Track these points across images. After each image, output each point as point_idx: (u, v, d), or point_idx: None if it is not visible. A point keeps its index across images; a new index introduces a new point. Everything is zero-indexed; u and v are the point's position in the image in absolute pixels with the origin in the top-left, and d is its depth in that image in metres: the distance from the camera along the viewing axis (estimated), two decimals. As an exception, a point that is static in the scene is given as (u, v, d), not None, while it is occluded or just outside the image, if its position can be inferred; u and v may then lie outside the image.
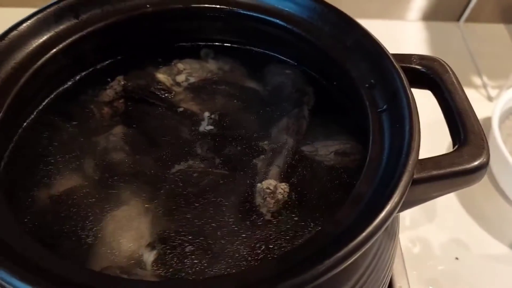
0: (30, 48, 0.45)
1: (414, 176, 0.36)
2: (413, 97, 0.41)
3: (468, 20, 1.03)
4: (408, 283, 0.65)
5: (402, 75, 0.42)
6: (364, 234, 0.31)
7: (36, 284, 0.30)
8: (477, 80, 0.94)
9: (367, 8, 0.94)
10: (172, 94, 0.53)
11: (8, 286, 0.31)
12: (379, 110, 0.42)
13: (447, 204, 0.72)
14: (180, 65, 0.57)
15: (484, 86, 0.93)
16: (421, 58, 0.46)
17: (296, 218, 0.43)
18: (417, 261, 0.68)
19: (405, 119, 0.39)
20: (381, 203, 0.33)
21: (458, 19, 1.04)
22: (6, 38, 0.44)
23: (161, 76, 0.55)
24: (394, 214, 0.33)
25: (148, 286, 0.34)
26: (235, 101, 0.54)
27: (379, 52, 0.44)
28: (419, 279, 0.67)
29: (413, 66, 0.45)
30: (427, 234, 0.71)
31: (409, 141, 0.36)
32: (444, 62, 0.46)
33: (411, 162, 0.35)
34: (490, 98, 0.91)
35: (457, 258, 0.70)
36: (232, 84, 0.56)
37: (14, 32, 0.44)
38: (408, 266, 0.66)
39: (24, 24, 0.45)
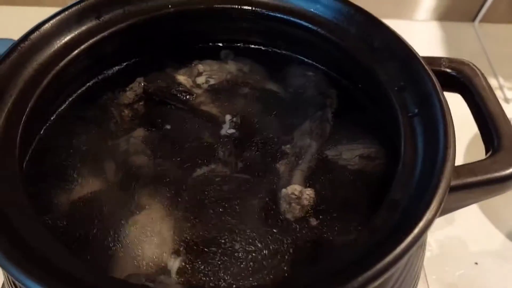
0: (52, 50, 0.44)
1: (451, 184, 0.35)
2: (446, 101, 0.40)
3: (483, 20, 1.02)
4: (428, 287, 0.64)
5: (434, 78, 0.41)
6: (404, 244, 0.30)
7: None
8: (493, 82, 0.93)
9: (379, 8, 0.93)
10: (193, 96, 0.52)
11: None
12: (410, 114, 0.41)
13: (466, 208, 0.71)
14: (200, 67, 0.56)
15: (501, 87, 0.92)
16: (450, 61, 0.45)
17: (324, 225, 0.42)
18: (436, 266, 0.67)
19: (439, 124, 0.38)
20: (420, 212, 0.32)
21: (473, 20, 1.02)
22: (28, 39, 0.43)
23: (181, 77, 0.55)
24: (433, 223, 0.32)
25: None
26: (256, 103, 0.53)
27: (409, 54, 0.43)
28: (438, 283, 0.66)
29: (443, 69, 0.45)
30: (446, 238, 0.70)
31: (445, 148, 0.36)
32: (474, 65, 0.45)
33: (448, 169, 0.34)
34: (507, 100, 0.90)
35: (476, 263, 0.69)
36: (253, 86, 0.55)
37: (36, 33, 0.44)
38: (427, 271, 0.65)
39: (46, 25, 0.44)
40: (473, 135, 0.77)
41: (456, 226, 0.71)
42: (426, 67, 0.42)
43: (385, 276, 0.29)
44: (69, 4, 0.46)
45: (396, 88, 0.43)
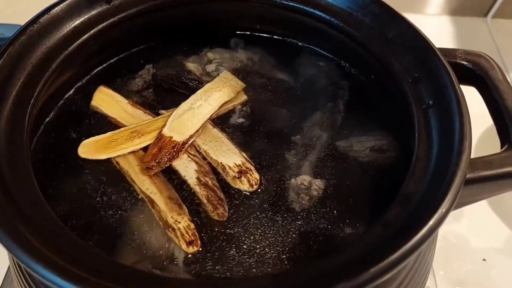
0: (61, 34, 0.44)
1: (466, 176, 0.34)
2: (462, 93, 0.39)
3: (496, 16, 1.00)
4: (436, 283, 0.63)
5: (450, 70, 0.40)
6: (417, 237, 0.30)
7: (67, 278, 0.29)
8: (504, 77, 0.91)
9: (388, 2, 0.92)
10: (203, 84, 0.52)
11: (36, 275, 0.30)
12: (424, 106, 0.40)
13: (475, 204, 0.70)
14: (210, 54, 0.55)
15: (512, 83, 0.91)
16: (466, 53, 0.44)
17: (332, 216, 0.42)
18: (444, 261, 0.66)
19: (454, 116, 0.37)
20: (433, 205, 0.31)
21: (485, 15, 1.01)
22: (37, 22, 0.42)
23: (191, 65, 0.54)
24: (448, 215, 0.31)
25: (186, 285, 0.33)
26: (266, 93, 0.52)
27: (424, 46, 0.43)
28: (446, 279, 0.65)
29: (458, 61, 0.44)
30: (454, 234, 0.70)
31: (461, 139, 0.35)
32: (490, 58, 0.44)
33: (464, 161, 0.33)
34: (518, 96, 0.89)
35: (484, 259, 0.68)
36: (263, 75, 0.54)
37: (46, 16, 0.43)
38: (435, 266, 0.65)
39: (56, 8, 0.44)
40: (484, 130, 0.76)
41: (464, 222, 0.71)
42: (442, 58, 0.41)
43: (397, 269, 0.29)
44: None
45: (410, 80, 0.42)
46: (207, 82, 0.52)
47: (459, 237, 0.69)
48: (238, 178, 0.42)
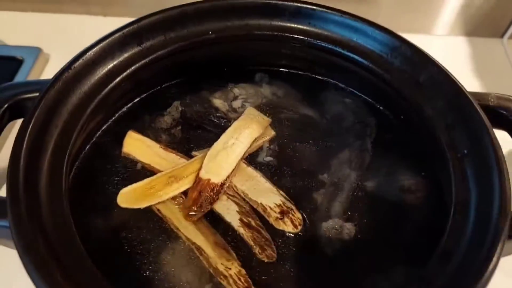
0: (96, 78, 0.44)
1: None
2: (498, 142, 0.39)
3: (512, 36, 1.00)
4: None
5: (485, 117, 0.40)
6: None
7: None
8: (520, 100, 0.91)
9: (404, 23, 0.92)
10: (230, 121, 0.52)
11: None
12: (459, 155, 0.40)
13: None
14: (236, 90, 0.55)
15: (528, 106, 0.91)
16: (498, 97, 0.44)
17: (365, 262, 0.42)
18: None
19: (492, 167, 0.37)
20: (478, 266, 0.31)
21: (501, 36, 1.01)
22: (72, 68, 0.42)
23: (217, 101, 0.54)
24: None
25: None
26: (292, 129, 0.52)
27: (457, 90, 0.43)
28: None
29: (491, 105, 0.44)
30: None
31: (502, 195, 0.35)
32: (523, 103, 0.44)
33: (507, 220, 0.33)
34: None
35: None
36: (289, 111, 0.54)
37: (80, 61, 0.43)
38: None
39: (89, 53, 0.44)
40: None
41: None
42: (475, 104, 0.41)
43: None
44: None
45: (444, 126, 0.42)
46: (234, 118, 0.52)
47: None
48: (281, 219, 0.42)
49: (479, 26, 1.00)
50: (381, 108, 0.52)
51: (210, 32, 0.49)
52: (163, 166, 0.45)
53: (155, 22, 0.47)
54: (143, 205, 0.43)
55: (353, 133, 0.51)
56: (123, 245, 0.41)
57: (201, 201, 0.43)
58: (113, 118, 0.50)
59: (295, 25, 0.50)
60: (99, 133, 0.49)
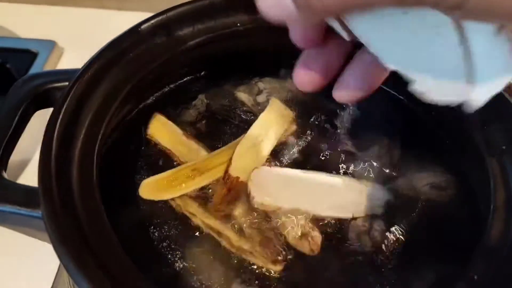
0: (126, 68, 0.43)
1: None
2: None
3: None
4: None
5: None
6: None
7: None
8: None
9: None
10: (255, 115, 0.51)
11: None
12: (498, 151, 0.39)
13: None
14: (261, 84, 0.55)
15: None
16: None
17: (401, 262, 0.41)
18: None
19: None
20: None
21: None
22: (103, 57, 0.42)
23: (242, 95, 0.53)
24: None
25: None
26: (320, 125, 0.52)
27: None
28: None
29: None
30: None
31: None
32: None
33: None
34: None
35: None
36: (313, 106, 0.53)
37: (110, 51, 0.42)
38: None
39: (120, 42, 0.43)
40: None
41: None
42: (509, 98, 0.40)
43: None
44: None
45: (478, 122, 0.41)
46: (259, 112, 0.51)
47: None
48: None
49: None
50: (410, 104, 0.51)
51: (239, 24, 0.49)
52: (184, 155, 0.45)
53: (184, 13, 0.47)
54: (165, 197, 0.42)
55: (381, 128, 0.51)
56: (151, 236, 0.40)
57: (229, 199, 0.42)
58: (137, 109, 0.49)
59: (324, 19, 0.49)
60: (125, 124, 0.48)
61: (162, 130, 0.47)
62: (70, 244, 0.31)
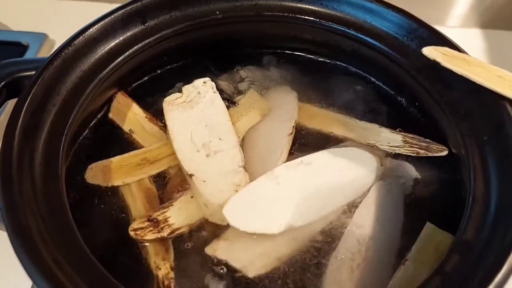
0: (97, 56, 0.42)
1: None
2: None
3: (529, 29, 0.97)
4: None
5: (507, 103, 0.38)
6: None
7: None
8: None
9: (416, 13, 0.89)
10: (234, 103, 0.50)
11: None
12: (479, 142, 0.37)
13: None
14: (243, 72, 0.53)
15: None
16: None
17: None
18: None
19: (514, 155, 0.35)
20: (500, 256, 0.29)
21: (517, 29, 0.98)
22: (72, 45, 0.41)
23: (222, 83, 0.52)
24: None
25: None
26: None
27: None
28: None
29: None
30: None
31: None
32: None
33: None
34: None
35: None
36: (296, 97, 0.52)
37: (80, 38, 0.41)
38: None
39: (91, 30, 0.42)
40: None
41: None
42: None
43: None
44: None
45: (462, 113, 0.40)
46: (238, 100, 0.50)
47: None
48: None
49: (494, 19, 0.97)
50: (394, 93, 0.49)
51: (218, 12, 0.47)
52: (144, 139, 0.45)
53: (160, 0, 0.45)
54: (109, 183, 0.41)
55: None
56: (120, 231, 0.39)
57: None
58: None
59: (307, 6, 0.48)
60: (99, 113, 0.47)
61: (124, 112, 0.46)
62: (25, 236, 0.30)
